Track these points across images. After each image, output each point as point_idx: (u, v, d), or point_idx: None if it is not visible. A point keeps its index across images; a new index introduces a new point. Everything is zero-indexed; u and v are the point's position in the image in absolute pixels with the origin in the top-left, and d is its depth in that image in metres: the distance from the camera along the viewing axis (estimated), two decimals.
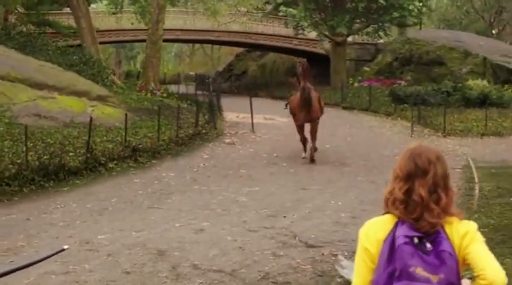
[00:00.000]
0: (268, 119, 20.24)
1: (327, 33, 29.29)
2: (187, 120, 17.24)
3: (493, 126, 18.14)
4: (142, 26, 28.71)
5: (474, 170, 10.98)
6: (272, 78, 35.12)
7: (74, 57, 21.29)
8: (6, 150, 11.02)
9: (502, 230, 6.97)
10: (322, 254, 6.52)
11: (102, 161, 11.68)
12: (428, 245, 2.15)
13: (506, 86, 24.70)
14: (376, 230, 2.22)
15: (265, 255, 6.43)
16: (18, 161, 10.41)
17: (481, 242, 2.21)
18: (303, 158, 13.46)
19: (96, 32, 25.58)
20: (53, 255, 3.04)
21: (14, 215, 8.45)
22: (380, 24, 29.14)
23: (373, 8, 28.91)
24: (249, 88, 30.55)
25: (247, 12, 35.29)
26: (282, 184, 10.81)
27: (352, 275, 2.30)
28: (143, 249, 6.60)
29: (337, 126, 18.81)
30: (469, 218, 7.15)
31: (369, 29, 29.99)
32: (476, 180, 10.03)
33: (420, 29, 35.17)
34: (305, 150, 13.56)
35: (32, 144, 11.25)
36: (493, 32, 43.13)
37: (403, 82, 27.40)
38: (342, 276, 5.63)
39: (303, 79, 13.34)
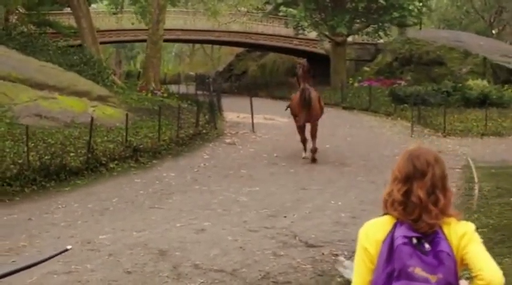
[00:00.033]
0: (268, 119, 20.28)
1: (327, 33, 29.32)
2: (188, 120, 17.28)
3: (493, 126, 18.17)
4: (142, 26, 28.74)
5: (474, 170, 11.00)
6: (272, 78, 35.15)
7: (75, 57, 21.32)
8: (7, 150, 11.07)
9: (502, 230, 7.00)
10: (322, 253, 6.56)
11: (103, 162, 11.73)
12: (427, 246, 2.18)
13: (506, 86, 24.72)
14: (375, 231, 2.26)
15: (266, 255, 6.47)
16: (20, 161, 10.45)
17: (479, 242, 2.24)
18: (303, 158, 13.51)
19: (97, 32, 25.61)
20: (56, 255, 3.08)
21: (15, 215, 8.49)
22: (380, 24, 29.17)
23: (373, 8, 28.94)
24: (249, 88, 30.57)
25: (248, 12, 35.32)
26: (282, 184, 10.84)
27: None
28: (144, 249, 6.64)
29: (337, 126, 18.84)
30: (468, 218, 7.20)
31: (369, 29, 30.02)
32: (476, 180, 10.05)
33: (420, 29, 35.20)
34: (305, 150, 13.63)
35: (33, 144, 11.30)
36: (493, 32, 43.14)
37: (403, 82, 27.43)
38: (342, 276, 5.67)
39: (302, 81, 13.51)
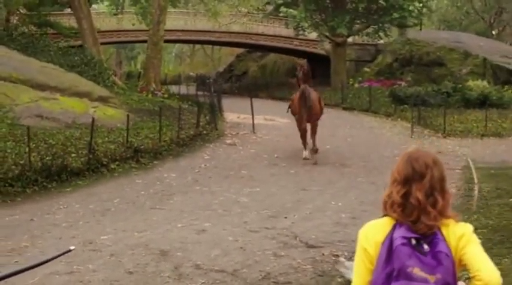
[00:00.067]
0: (268, 120, 20.31)
1: (327, 33, 29.35)
2: (189, 120, 17.31)
3: (492, 127, 18.20)
4: (143, 26, 28.79)
5: (474, 171, 11.04)
6: (272, 79, 35.17)
7: (76, 58, 21.37)
8: (9, 151, 11.11)
9: (501, 231, 7.04)
10: (323, 254, 6.60)
11: (104, 162, 11.77)
12: (426, 247, 2.21)
13: (506, 87, 24.75)
14: (375, 232, 2.29)
15: (266, 256, 6.51)
16: (21, 162, 10.49)
17: (477, 243, 2.27)
18: (304, 158, 13.55)
19: (97, 32, 25.65)
20: (59, 255, 3.12)
21: (17, 216, 8.53)
22: (380, 25, 29.20)
23: (374, 9, 28.98)
24: (250, 88, 30.58)
25: (248, 13, 35.34)
26: (283, 185, 10.88)
27: None
28: (146, 250, 6.68)
29: (337, 126, 18.87)
30: (468, 219, 7.24)
31: (369, 30, 30.05)
32: (476, 181, 10.09)
33: (420, 29, 35.25)
34: (305, 148, 13.71)
35: (34, 145, 11.34)
36: (493, 32, 43.17)
37: (403, 83, 27.47)
38: (342, 276, 5.71)
39: (303, 83, 13.71)
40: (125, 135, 13.29)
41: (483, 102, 21.01)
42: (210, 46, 50.45)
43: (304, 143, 13.76)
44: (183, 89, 33.08)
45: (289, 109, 14.41)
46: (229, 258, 6.40)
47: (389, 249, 2.22)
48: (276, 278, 5.82)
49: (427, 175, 2.28)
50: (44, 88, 15.67)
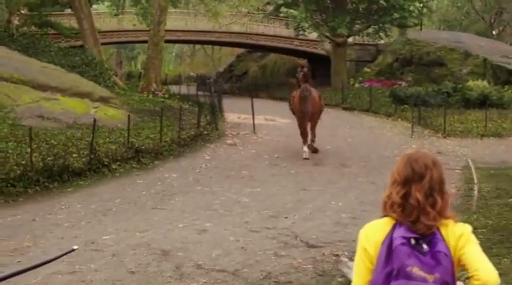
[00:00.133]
0: (269, 120, 20.34)
1: (327, 34, 29.39)
2: (189, 121, 17.35)
3: (492, 127, 18.21)
4: (143, 27, 28.83)
5: (473, 171, 11.07)
6: (273, 79, 35.21)
7: (76, 59, 21.41)
8: (10, 151, 11.14)
9: (500, 231, 7.08)
10: (323, 254, 6.63)
11: (106, 163, 11.81)
12: (425, 246, 2.25)
13: (506, 87, 24.75)
14: (375, 232, 2.33)
15: (267, 255, 6.54)
16: (23, 162, 10.53)
17: (476, 243, 2.31)
18: (304, 159, 13.62)
19: (98, 32, 25.70)
20: (63, 255, 3.16)
21: (19, 216, 8.57)
22: (380, 25, 29.23)
23: (374, 9, 29.02)
24: (250, 89, 30.64)
25: (248, 13, 35.36)
26: (283, 185, 10.92)
27: None
28: (147, 250, 6.72)
29: (337, 126, 18.90)
30: (467, 219, 7.28)
31: (370, 30, 30.08)
32: (476, 181, 10.12)
33: (421, 29, 35.29)
34: (305, 144, 13.92)
35: (36, 146, 11.37)
36: (493, 32, 43.19)
37: (403, 83, 27.49)
38: (343, 276, 5.75)
39: (303, 83, 14.06)
40: (126, 135, 13.33)
41: (483, 102, 21.02)
42: (211, 46, 50.49)
43: (304, 141, 13.95)
44: (183, 89, 33.11)
45: (290, 107, 14.65)
46: (230, 258, 6.44)
47: (389, 249, 2.26)
48: (276, 277, 5.85)
49: (427, 176, 2.32)
50: (45, 89, 15.71)
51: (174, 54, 61.37)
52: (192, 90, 33.40)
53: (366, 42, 32.55)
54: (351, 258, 5.98)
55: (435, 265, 2.23)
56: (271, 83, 33.48)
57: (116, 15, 31.45)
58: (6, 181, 9.77)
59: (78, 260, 6.20)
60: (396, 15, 27.80)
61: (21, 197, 9.73)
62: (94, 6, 33.15)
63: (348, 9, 29.41)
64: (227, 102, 23.08)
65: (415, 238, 2.26)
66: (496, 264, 5.70)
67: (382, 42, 31.45)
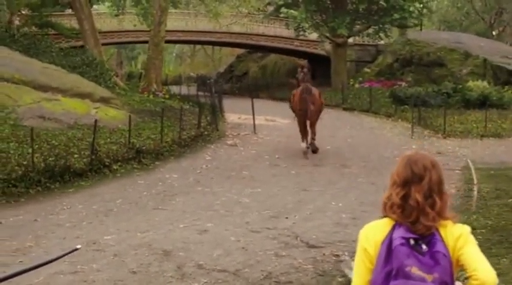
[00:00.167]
0: (269, 120, 20.38)
1: (327, 34, 29.42)
2: (190, 121, 17.40)
3: (492, 128, 18.24)
4: (144, 27, 28.84)
5: (473, 171, 11.10)
6: (273, 79, 35.23)
7: (77, 59, 21.44)
8: (12, 152, 11.19)
9: (500, 231, 7.12)
10: (323, 254, 6.67)
11: (107, 163, 11.85)
12: (424, 247, 2.29)
13: (506, 87, 24.76)
14: (375, 232, 2.37)
15: (268, 256, 6.58)
16: (24, 163, 10.59)
17: (474, 244, 2.34)
18: (303, 149, 13.99)
19: (99, 33, 25.74)
20: (67, 254, 3.20)
21: (21, 216, 8.61)
22: (381, 25, 29.27)
23: (374, 10, 29.05)
24: (250, 89, 30.67)
25: (249, 13, 35.39)
26: (284, 186, 10.96)
27: None
28: (149, 250, 6.76)
29: (337, 127, 18.94)
30: (467, 219, 7.30)
31: (370, 30, 30.12)
32: (475, 181, 10.15)
33: (421, 30, 35.32)
34: (305, 141, 14.17)
35: (37, 146, 11.41)
36: (493, 33, 43.22)
37: (403, 84, 27.52)
38: (343, 276, 5.79)
39: (303, 83, 14.10)
40: (127, 135, 13.38)
41: (483, 103, 21.05)
42: (211, 46, 50.51)
43: (304, 137, 14.21)
44: (183, 89, 33.15)
45: (291, 105, 14.81)
46: (231, 258, 6.47)
47: (388, 249, 2.29)
48: (277, 277, 5.89)
49: (426, 178, 2.35)
50: (46, 89, 15.76)
51: (174, 54, 61.39)
52: (193, 90, 33.45)
53: (366, 43, 32.59)
54: (353, 258, 6.02)
55: (434, 265, 2.26)
56: (272, 83, 33.51)
57: (116, 15, 31.46)
58: (8, 182, 9.82)
59: (80, 260, 6.24)
60: (396, 15, 27.84)
61: (22, 198, 9.78)
62: (94, 6, 33.17)
63: (348, 9, 29.45)
64: (227, 103, 23.12)
65: (414, 238, 2.29)
66: (495, 264, 5.73)
67: (382, 42, 31.48)
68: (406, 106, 21.39)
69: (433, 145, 16.13)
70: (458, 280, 2.40)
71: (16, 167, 10.36)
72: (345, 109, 24.23)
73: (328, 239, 7.30)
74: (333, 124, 18.88)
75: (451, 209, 2.42)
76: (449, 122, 18.51)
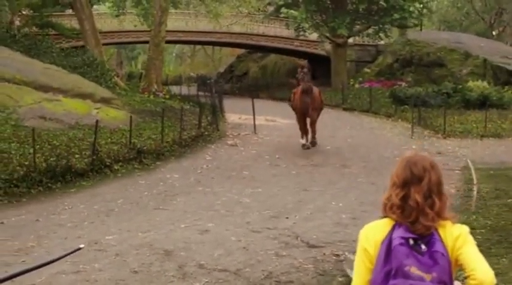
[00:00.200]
0: (269, 120, 20.42)
1: (327, 34, 29.47)
2: (190, 121, 17.44)
3: (492, 128, 18.27)
4: (144, 27, 28.88)
5: (473, 171, 11.13)
6: (273, 79, 35.28)
7: (78, 59, 21.48)
8: (13, 152, 11.23)
9: (499, 231, 7.16)
10: (324, 254, 6.71)
11: (108, 163, 11.89)
12: (423, 246, 2.33)
13: (506, 87, 24.80)
14: (375, 232, 2.41)
15: (269, 255, 6.62)
16: (26, 163, 10.62)
17: (473, 244, 2.38)
18: (302, 144, 14.45)
19: (99, 33, 25.77)
20: (70, 253, 3.25)
21: (23, 216, 8.65)
22: (381, 25, 29.32)
23: (374, 10, 29.10)
24: (250, 89, 30.72)
25: (249, 13, 35.42)
26: (284, 186, 10.99)
27: None
28: (150, 250, 6.79)
29: (337, 127, 18.98)
30: (467, 219, 7.33)
31: (370, 31, 30.17)
32: (475, 181, 10.18)
33: (421, 30, 35.36)
34: (305, 139, 14.57)
35: (38, 146, 11.45)
36: (493, 33, 43.25)
37: (403, 84, 27.56)
38: (343, 275, 5.83)
39: (303, 84, 14.32)
40: (128, 136, 13.41)
41: (483, 103, 21.08)
42: (211, 47, 50.54)
43: (303, 133, 14.54)
44: (184, 90, 33.18)
45: (291, 103, 15.00)
46: (232, 258, 6.51)
47: (388, 249, 2.33)
48: (278, 277, 5.93)
49: (425, 178, 2.39)
50: (47, 90, 15.80)
51: (174, 54, 61.41)
52: (193, 90, 33.48)
53: (366, 43, 32.63)
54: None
55: (433, 265, 2.30)
56: (272, 84, 33.55)
57: (117, 15, 31.47)
58: (9, 182, 9.86)
59: (82, 259, 6.28)
60: (396, 15, 27.89)
61: (24, 198, 9.82)
62: (95, 6, 33.22)
63: (348, 9, 29.50)
64: (228, 103, 23.16)
65: (413, 238, 2.33)
66: (495, 264, 5.77)
67: (382, 42, 31.53)
68: (406, 106, 21.42)
69: (433, 145, 16.17)
70: (457, 280, 2.44)
71: (18, 168, 10.40)
72: (345, 109, 24.26)
73: (328, 239, 7.34)
74: (333, 124, 18.92)
75: (450, 209, 2.45)
76: (449, 122, 18.54)
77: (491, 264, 2.33)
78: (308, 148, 14.67)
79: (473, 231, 2.41)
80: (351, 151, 15.08)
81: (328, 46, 31.26)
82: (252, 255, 6.63)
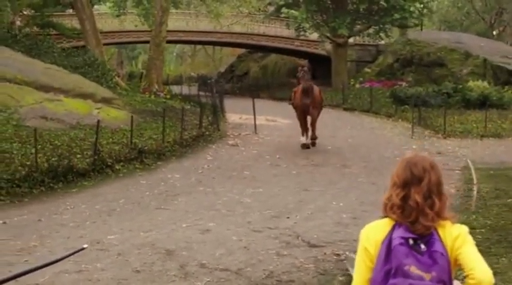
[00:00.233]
0: (270, 120, 20.45)
1: (328, 34, 29.50)
2: (191, 121, 17.48)
3: (492, 128, 18.31)
4: (145, 27, 28.92)
5: (473, 171, 11.16)
6: (274, 79, 35.31)
7: (79, 60, 21.51)
8: (15, 152, 11.26)
9: (499, 231, 7.19)
10: (325, 253, 6.74)
11: (109, 163, 11.93)
12: (423, 246, 2.36)
13: (506, 87, 24.84)
14: (375, 232, 2.44)
15: (270, 255, 6.65)
16: (28, 163, 10.66)
17: (472, 244, 2.42)
18: (301, 143, 14.61)
19: (100, 33, 25.81)
20: (74, 253, 3.29)
21: (25, 216, 8.69)
22: (381, 25, 29.35)
23: (374, 10, 29.13)
24: (251, 89, 30.75)
25: (249, 13, 35.47)
26: (285, 186, 11.03)
27: None
28: (152, 249, 6.83)
29: (338, 127, 19.01)
30: (467, 219, 7.37)
31: (370, 31, 30.21)
32: (475, 181, 10.21)
33: (421, 30, 35.39)
34: (305, 136, 14.71)
35: (40, 146, 11.48)
36: (494, 33, 43.27)
37: (404, 84, 27.59)
38: (344, 275, 5.87)
39: (304, 82, 14.41)
40: (129, 136, 13.45)
41: (483, 103, 21.12)
42: (212, 46, 50.58)
43: (304, 132, 14.66)
44: (184, 89, 33.22)
45: (291, 102, 15.12)
46: (233, 258, 6.54)
47: (388, 248, 2.37)
48: (279, 276, 5.96)
49: (425, 179, 2.42)
50: (48, 90, 15.84)
51: (175, 54, 61.43)
52: (194, 90, 33.51)
53: (367, 43, 32.66)
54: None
55: (432, 264, 2.33)
56: (272, 83, 33.59)
57: (117, 15, 31.52)
58: (11, 182, 9.90)
59: (85, 259, 6.31)
60: (397, 15, 27.92)
61: (26, 198, 9.85)
62: (96, 6, 33.26)
63: (349, 9, 29.53)
64: (228, 103, 23.19)
65: (413, 238, 2.37)
66: (494, 264, 5.81)
67: (382, 42, 31.56)
68: (406, 106, 21.46)
69: (433, 145, 16.20)
70: (457, 279, 2.47)
71: (19, 168, 10.43)
72: (345, 109, 24.29)
73: (329, 238, 7.37)
74: (334, 124, 18.97)
75: (450, 209, 2.48)
76: (450, 122, 18.57)
77: (491, 264, 2.36)
78: (308, 147, 14.74)
79: (473, 231, 2.45)
80: (352, 151, 15.12)
81: (328, 46, 31.29)
82: (253, 254, 6.66)
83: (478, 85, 24.45)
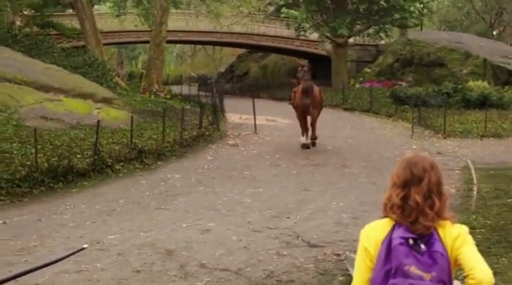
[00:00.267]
0: (270, 120, 20.46)
1: (328, 34, 29.50)
2: (191, 121, 17.48)
3: (492, 128, 18.32)
4: (145, 27, 28.93)
5: (473, 171, 11.16)
6: (274, 79, 35.31)
7: (79, 60, 21.52)
8: (15, 152, 11.27)
9: (499, 231, 7.20)
10: (325, 253, 6.74)
11: (109, 163, 11.94)
12: (423, 246, 2.36)
13: (506, 87, 24.85)
14: (375, 232, 2.45)
15: (270, 255, 6.66)
16: (28, 163, 10.66)
17: (472, 244, 2.42)
18: (301, 143, 14.69)
19: (100, 33, 25.82)
20: (74, 253, 3.29)
21: (25, 216, 8.69)
22: (381, 25, 29.35)
23: (374, 10, 29.12)
24: (251, 89, 30.75)
25: (250, 13, 35.47)
26: (285, 186, 11.03)
27: None
28: (152, 249, 6.83)
29: (338, 127, 19.02)
30: (467, 219, 7.37)
31: (370, 31, 30.20)
32: (475, 181, 10.21)
33: (421, 30, 35.40)
34: (305, 136, 14.79)
35: (40, 146, 11.49)
36: (494, 33, 43.27)
37: (404, 84, 27.60)
38: (344, 275, 5.87)
39: (304, 81, 14.44)
40: (129, 136, 13.46)
41: (483, 103, 21.13)
42: (212, 46, 50.58)
43: (303, 131, 14.72)
44: (184, 89, 33.22)
45: (291, 102, 15.15)
46: (233, 258, 6.55)
47: (388, 248, 2.37)
48: (279, 276, 5.96)
49: (425, 179, 2.43)
50: (48, 90, 15.84)
51: (175, 54, 61.44)
52: (194, 90, 33.52)
53: (367, 43, 32.67)
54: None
55: (432, 264, 2.33)
56: (272, 83, 33.59)
57: (117, 15, 31.52)
58: (11, 182, 9.90)
59: (85, 259, 6.31)
60: (397, 15, 27.92)
61: (26, 198, 9.86)
62: (96, 6, 33.26)
63: (349, 9, 29.52)
64: (228, 103, 23.19)
65: (413, 238, 2.37)
66: (494, 264, 5.82)
67: (382, 42, 31.56)
68: (406, 106, 21.47)
69: (433, 145, 16.21)
70: (457, 279, 2.48)
71: (19, 168, 10.44)
72: (345, 109, 24.30)
73: (329, 238, 7.38)
74: (334, 124, 18.97)
75: (450, 209, 2.48)
76: (450, 122, 18.59)
77: (491, 264, 2.36)
78: (308, 147, 14.76)
79: (473, 231, 2.45)
80: (352, 151, 15.12)
81: (328, 46, 31.29)
82: (253, 254, 6.67)
83: (478, 85, 24.46)
